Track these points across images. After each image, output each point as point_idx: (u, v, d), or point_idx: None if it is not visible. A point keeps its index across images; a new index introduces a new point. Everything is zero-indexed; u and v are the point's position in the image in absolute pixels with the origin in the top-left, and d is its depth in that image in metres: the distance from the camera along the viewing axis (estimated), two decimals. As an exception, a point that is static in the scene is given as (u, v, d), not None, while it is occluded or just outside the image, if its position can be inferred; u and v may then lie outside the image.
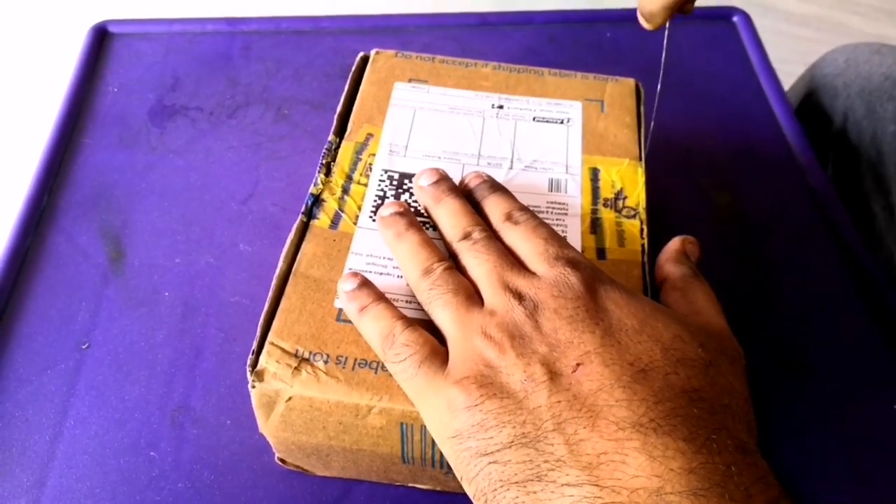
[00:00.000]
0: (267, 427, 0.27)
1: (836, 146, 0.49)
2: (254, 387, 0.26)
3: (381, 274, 0.28)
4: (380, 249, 0.29)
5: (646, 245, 0.30)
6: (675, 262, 0.29)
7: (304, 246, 0.29)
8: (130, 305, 0.36)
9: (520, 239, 0.27)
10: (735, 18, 0.52)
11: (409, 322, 0.26)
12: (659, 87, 0.34)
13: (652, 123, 0.35)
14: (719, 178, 0.42)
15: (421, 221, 0.30)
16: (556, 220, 0.31)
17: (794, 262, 0.39)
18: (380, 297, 0.27)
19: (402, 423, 0.26)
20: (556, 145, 0.34)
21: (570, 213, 0.31)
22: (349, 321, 0.27)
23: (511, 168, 0.33)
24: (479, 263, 0.27)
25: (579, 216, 0.31)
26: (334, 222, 0.30)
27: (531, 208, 0.29)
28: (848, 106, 0.48)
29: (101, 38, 0.49)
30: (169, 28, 0.50)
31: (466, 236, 0.28)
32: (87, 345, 0.34)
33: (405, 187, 0.32)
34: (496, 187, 0.30)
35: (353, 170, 0.32)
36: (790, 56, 0.75)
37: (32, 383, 0.33)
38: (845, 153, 0.49)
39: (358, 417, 0.26)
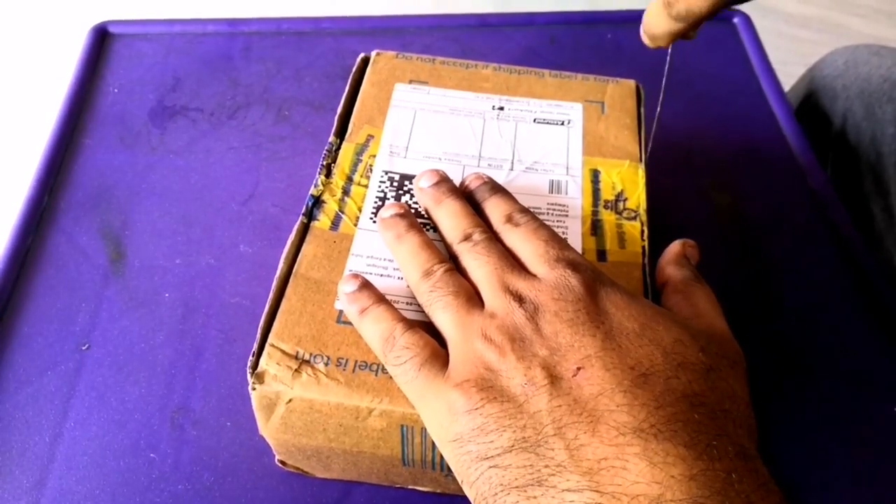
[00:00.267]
0: (267, 429, 0.27)
1: (836, 148, 0.49)
2: (254, 389, 0.26)
3: (381, 275, 0.28)
4: (380, 251, 0.29)
5: (646, 247, 0.30)
6: (676, 266, 0.29)
7: (305, 247, 0.29)
8: (131, 306, 0.36)
9: (520, 241, 0.27)
10: (735, 20, 0.52)
11: (410, 324, 0.26)
12: (661, 96, 0.34)
13: (654, 126, 0.35)
14: (720, 180, 0.42)
15: (421, 223, 0.30)
16: (557, 221, 0.31)
17: (795, 263, 0.39)
18: (380, 298, 0.27)
19: (402, 426, 0.26)
20: (556, 147, 0.34)
21: (570, 215, 0.31)
22: (350, 323, 0.27)
23: (511, 169, 0.33)
24: (479, 265, 0.27)
25: (580, 218, 0.31)
26: (335, 224, 0.30)
27: (532, 210, 0.29)
28: (847, 107, 0.48)
29: (102, 39, 0.49)
30: (169, 29, 0.50)
31: (467, 238, 0.28)
32: (87, 346, 0.34)
33: (406, 188, 0.32)
34: (496, 189, 0.30)
35: (353, 171, 0.32)
36: (790, 57, 0.76)
37: (32, 384, 0.33)
38: (844, 155, 0.49)
39: (358, 419, 0.26)
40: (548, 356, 0.23)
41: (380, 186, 0.32)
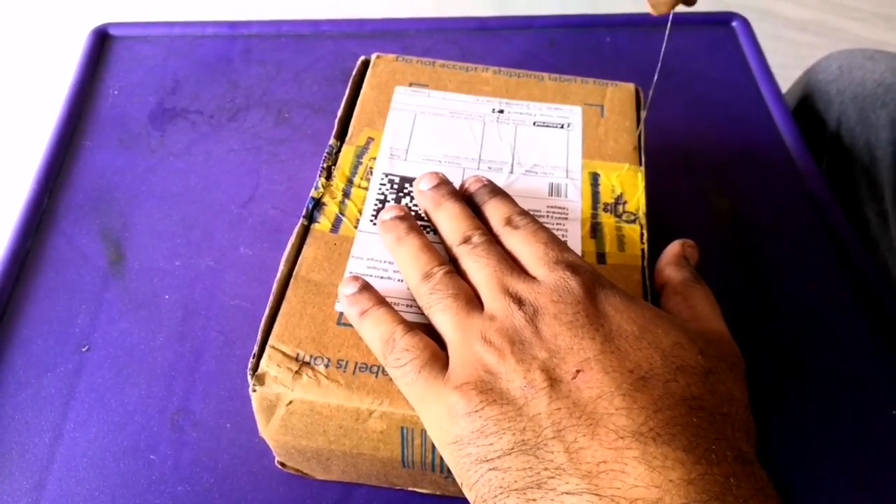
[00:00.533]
0: (267, 431, 0.27)
1: (830, 152, 0.50)
2: (254, 390, 0.26)
3: (381, 278, 0.28)
4: (380, 253, 0.29)
5: (645, 250, 0.30)
6: (675, 266, 0.29)
7: (305, 249, 0.29)
8: (130, 308, 0.36)
9: (520, 243, 0.27)
10: (734, 23, 0.52)
11: (410, 327, 0.26)
12: (654, 80, 0.34)
13: (644, 115, 0.35)
14: (718, 183, 0.43)
15: (421, 225, 0.30)
16: (557, 224, 0.31)
17: (793, 266, 0.39)
18: (380, 301, 0.27)
19: (402, 428, 0.26)
20: (556, 150, 0.34)
21: (570, 218, 0.31)
22: (350, 325, 0.27)
23: (511, 172, 0.33)
24: (479, 268, 0.27)
25: (579, 221, 0.31)
26: (335, 226, 0.30)
27: (531, 213, 0.29)
28: (841, 112, 0.49)
29: (102, 41, 0.49)
30: (169, 31, 0.50)
31: (466, 240, 0.28)
32: (87, 347, 0.34)
33: (406, 191, 0.32)
34: (496, 191, 0.30)
35: (353, 173, 0.32)
36: (788, 61, 0.76)
37: (32, 386, 0.33)
38: (839, 159, 0.49)
39: (358, 421, 0.26)
40: (547, 359, 0.23)
41: (380, 189, 0.32)
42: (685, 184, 0.42)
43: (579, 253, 0.30)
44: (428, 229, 0.30)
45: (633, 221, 0.31)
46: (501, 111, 0.36)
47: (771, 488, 0.21)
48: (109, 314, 0.36)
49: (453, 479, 0.24)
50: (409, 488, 0.30)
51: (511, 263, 0.27)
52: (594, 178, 0.33)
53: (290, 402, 0.26)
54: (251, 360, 0.26)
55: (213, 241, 0.39)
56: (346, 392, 0.25)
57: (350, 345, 0.26)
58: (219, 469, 0.31)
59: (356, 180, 0.32)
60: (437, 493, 0.30)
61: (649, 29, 0.51)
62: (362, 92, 0.36)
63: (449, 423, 0.23)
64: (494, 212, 0.29)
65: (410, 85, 0.37)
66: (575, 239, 0.30)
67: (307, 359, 0.26)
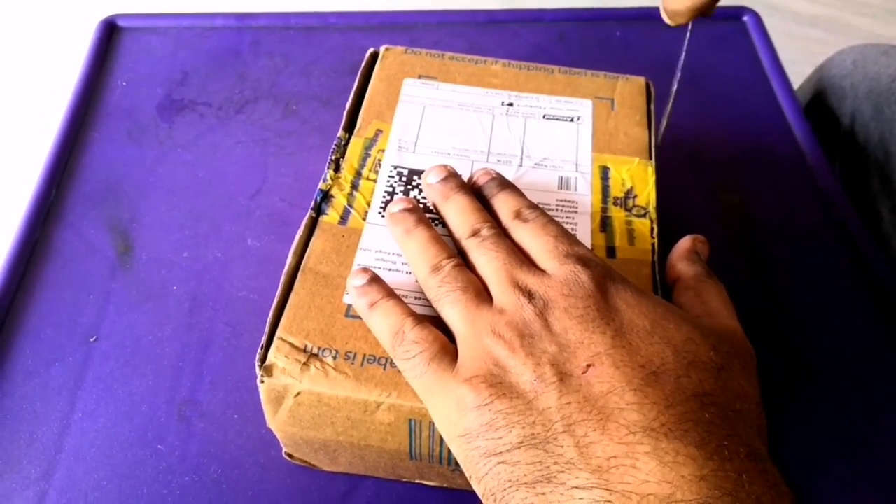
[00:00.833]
0: (275, 422, 0.27)
1: (844, 147, 0.49)
2: (262, 382, 0.26)
3: (390, 270, 0.28)
4: (389, 245, 0.29)
5: (656, 244, 0.30)
6: (687, 262, 0.29)
7: (313, 241, 0.29)
8: (138, 299, 0.36)
9: (529, 236, 0.27)
10: (745, 18, 0.52)
11: (419, 319, 0.25)
12: (675, 86, 0.34)
13: (664, 122, 0.35)
14: (728, 178, 0.42)
15: (430, 218, 0.30)
16: (566, 217, 0.31)
17: (803, 263, 0.39)
18: (390, 293, 0.27)
19: (410, 420, 0.26)
20: (566, 143, 0.34)
21: (579, 211, 0.31)
22: (358, 317, 0.27)
23: (521, 165, 0.33)
24: (488, 261, 0.27)
25: (589, 214, 0.31)
26: (343, 218, 0.30)
27: (541, 206, 0.29)
28: (855, 107, 0.48)
29: (110, 33, 0.49)
30: (178, 23, 0.50)
31: (475, 233, 0.28)
32: (94, 338, 0.35)
33: (414, 183, 0.32)
34: (505, 184, 0.30)
35: (362, 165, 0.32)
36: (799, 57, 0.75)
37: (40, 376, 0.33)
38: (853, 155, 0.48)
39: (366, 413, 0.26)
40: (557, 353, 0.23)
41: (388, 181, 0.32)
42: (694, 179, 0.42)
43: (589, 247, 0.29)
44: (437, 222, 0.30)
45: (644, 216, 0.31)
46: (511, 104, 0.35)
47: (784, 485, 0.21)
48: (117, 305, 0.36)
49: (461, 472, 0.24)
50: (417, 481, 0.30)
51: (520, 257, 0.26)
52: (604, 171, 0.33)
53: (298, 394, 0.26)
54: (259, 352, 0.26)
55: (220, 233, 0.39)
56: (354, 384, 0.25)
57: (358, 337, 0.26)
58: (226, 460, 0.31)
59: (365, 172, 0.32)
60: (445, 485, 0.30)
61: (659, 23, 0.51)
62: (371, 84, 0.36)
63: (458, 416, 0.23)
64: (503, 205, 0.29)
65: (419, 77, 0.36)
66: (584, 233, 0.30)
67: (315, 350, 0.26)
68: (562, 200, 0.31)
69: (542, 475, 0.21)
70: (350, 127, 0.34)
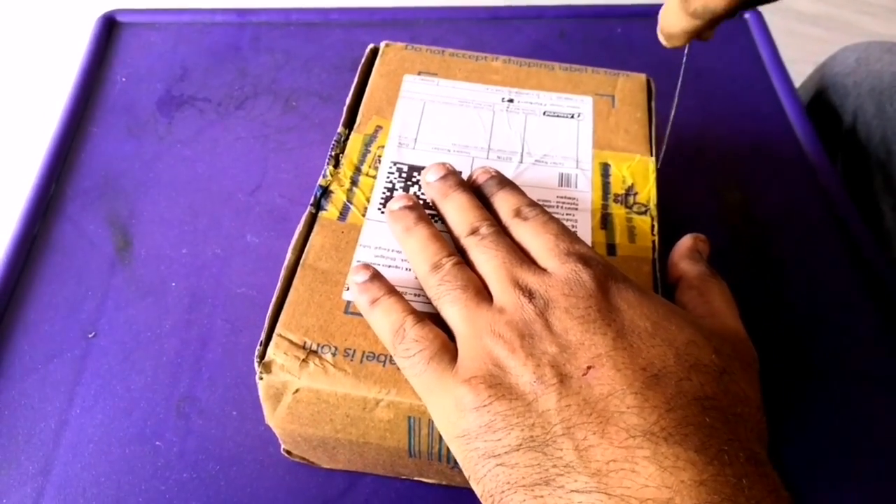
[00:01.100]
0: (273, 419, 0.27)
1: (846, 145, 0.49)
2: (261, 378, 0.26)
3: (389, 266, 0.28)
4: (388, 242, 0.29)
5: (656, 241, 0.30)
6: (690, 260, 0.28)
7: (313, 237, 0.29)
8: (137, 295, 0.36)
9: (529, 234, 0.27)
10: (747, 16, 0.51)
11: (420, 317, 0.25)
12: (679, 86, 0.33)
13: (669, 126, 0.34)
14: (729, 176, 0.42)
15: (430, 214, 0.29)
16: (566, 214, 0.30)
17: (804, 262, 0.39)
18: (391, 290, 0.26)
19: (409, 417, 0.26)
20: (566, 140, 0.34)
21: (580, 208, 0.31)
22: (357, 313, 0.27)
23: (521, 162, 0.32)
24: (487, 259, 0.26)
25: (589, 211, 0.31)
26: (343, 214, 0.30)
27: (541, 203, 0.29)
28: (858, 105, 0.48)
29: (110, 28, 0.49)
30: (178, 18, 0.50)
31: (474, 231, 0.28)
32: (93, 333, 0.34)
33: (414, 179, 0.31)
34: (505, 183, 0.30)
35: (362, 161, 0.32)
36: (800, 55, 0.75)
37: (38, 371, 0.33)
38: (855, 152, 0.48)
39: (365, 410, 0.26)
40: (557, 354, 0.23)
41: (388, 177, 0.31)
42: (696, 177, 0.42)
43: (589, 244, 0.29)
44: (437, 219, 0.30)
45: (644, 213, 0.31)
46: (511, 100, 0.35)
47: (783, 489, 0.20)
48: (116, 301, 0.36)
49: (459, 470, 0.24)
50: (415, 478, 0.30)
51: (520, 255, 0.26)
52: (605, 168, 0.33)
53: (297, 391, 0.25)
54: (258, 348, 0.26)
55: (220, 229, 0.39)
56: (354, 381, 0.25)
57: (357, 333, 0.26)
58: (224, 457, 0.31)
59: (364, 168, 0.32)
60: (443, 483, 0.30)
61: (661, 20, 0.51)
62: (371, 80, 0.36)
63: (457, 416, 0.23)
64: (503, 203, 0.29)
65: (420, 73, 0.36)
66: (585, 230, 0.30)
67: (314, 347, 0.26)
68: (562, 197, 0.31)
69: (540, 478, 0.21)
70: (350, 123, 0.34)
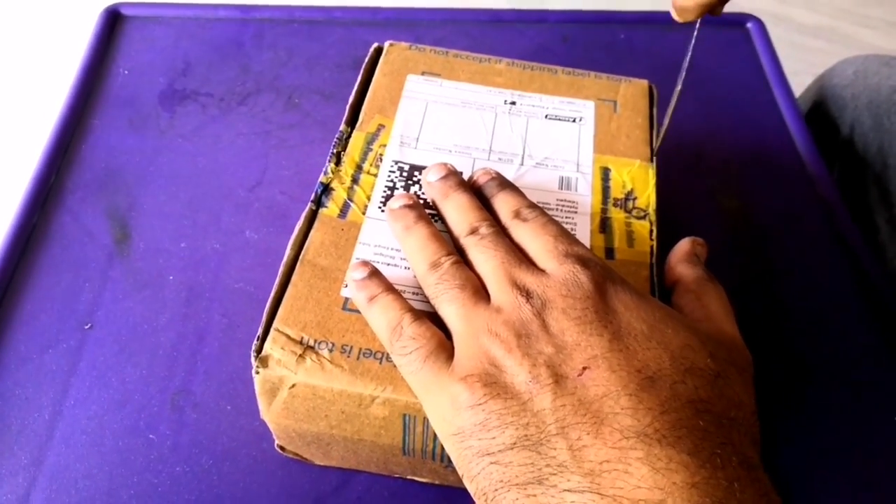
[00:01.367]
0: (269, 413, 0.27)
1: (842, 157, 0.49)
2: (257, 372, 0.26)
3: (388, 265, 0.28)
4: (388, 240, 0.29)
5: (655, 246, 0.30)
6: (688, 264, 0.28)
7: (312, 234, 0.29)
8: (134, 287, 0.36)
9: (529, 236, 0.27)
10: (749, 25, 0.52)
11: (417, 315, 0.25)
12: (678, 88, 0.34)
13: (666, 122, 0.35)
14: (728, 183, 0.42)
15: (430, 214, 0.30)
16: (566, 218, 0.31)
17: (801, 269, 0.39)
18: (389, 287, 0.26)
19: (404, 415, 0.26)
20: (567, 143, 0.34)
21: (579, 212, 0.31)
22: (355, 310, 0.27)
23: (522, 164, 0.33)
24: (486, 259, 0.26)
25: (589, 215, 0.31)
26: (343, 211, 0.30)
27: (541, 205, 0.29)
28: (855, 117, 0.48)
29: (114, 21, 0.49)
30: (182, 12, 0.50)
31: (474, 231, 0.28)
32: (89, 325, 0.34)
33: (415, 179, 0.31)
34: (505, 184, 0.30)
35: (363, 160, 0.32)
36: (800, 67, 0.75)
37: (33, 362, 0.33)
38: (851, 164, 0.49)
39: (361, 407, 0.26)
40: (553, 354, 0.23)
41: (389, 176, 0.32)
42: (694, 183, 0.42)
43: (588, 247, 0.29)
44: (436, 218, 0.30)
45: (643, 217, 0.31)
46: (514, 103, 0.35)
47: (774, 494, 0.21)
48: (113, 293, 0.36)
49: (453, 469, 0.24)
50: (409, 477, 0.30)
51: (519, 256, 0.26)
52: (605, 172, 0.33)
53: (293, 386, 0.26)
54: (255, 343, 0.26)
55: (219, 224, 0.39)
56: (350, 377, 0.25)
57: (355, 330, 0.26)
58: (218, 451, 0.31)
59: (366, 166, 0.32)
60: (437, 482, 0.30)
61: (664, 27, 0.51)
62: (374, 79, 0.36)
63: (452, 414, 0.23)
64: (503, 204, 0.29)
65: (423, 73, 0.36)
66: (584, 233, 0.30)
67: (311, 343, 0.26)
68: (562, 200, 0.31)
69: (534, 477, 0.21)
70: (352, 121, 0.34)
